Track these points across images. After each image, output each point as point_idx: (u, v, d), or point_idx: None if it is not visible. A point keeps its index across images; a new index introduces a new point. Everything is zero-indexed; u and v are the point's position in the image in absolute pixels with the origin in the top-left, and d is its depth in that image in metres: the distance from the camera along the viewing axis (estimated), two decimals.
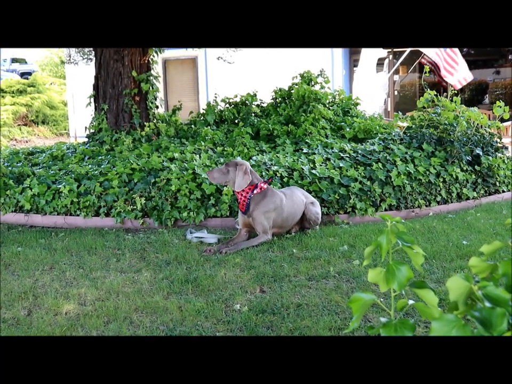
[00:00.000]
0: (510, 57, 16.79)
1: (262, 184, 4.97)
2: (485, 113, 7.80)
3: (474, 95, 17.12)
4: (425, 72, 7.73)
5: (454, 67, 10.85)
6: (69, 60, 12.06)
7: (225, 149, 6.80)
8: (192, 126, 8.25)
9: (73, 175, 6.18)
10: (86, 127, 8.32)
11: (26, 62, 29.96)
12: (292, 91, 8.21)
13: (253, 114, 8.31)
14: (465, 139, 6.72)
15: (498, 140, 7.20)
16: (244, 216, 4.99)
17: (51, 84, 21.83)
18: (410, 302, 1.58)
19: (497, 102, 6.85)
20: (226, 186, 5.52)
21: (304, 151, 6.66)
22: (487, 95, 17.39)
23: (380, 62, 13.99)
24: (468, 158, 6.60)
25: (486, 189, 6.80)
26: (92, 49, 10.21)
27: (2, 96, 17.63)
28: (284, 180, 5.85)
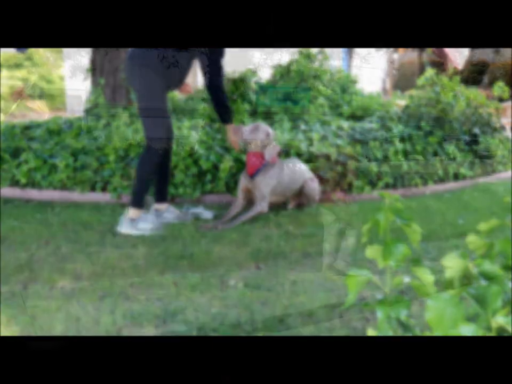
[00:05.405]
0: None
1: None
2: (484, 94, 7.77)
3: (473, 75, 17.02)
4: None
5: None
6: None
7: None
8: (190, 102, 8.18)
9: (69, 149, 6.15)
10: (82, 102, 8.25)
11: None
12: (291, 68, 8.14)
13: (251, 91, 8.24)
14: (463, 118, 6.70)
15: (497, 120, 7.18)
16: (246, 179, 4.99)
17: (48, 58, 21.59)
18: (406, 279, 1.59)
19: (497, 82, 6.82)
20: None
21: (302, 128, 6.63)
22: (486, 75, 17.29)
23: None
24: (465, 137, 6.59)
25: (483, 168, 6.80)
26: None
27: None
28: (281, 156, 5.82)
